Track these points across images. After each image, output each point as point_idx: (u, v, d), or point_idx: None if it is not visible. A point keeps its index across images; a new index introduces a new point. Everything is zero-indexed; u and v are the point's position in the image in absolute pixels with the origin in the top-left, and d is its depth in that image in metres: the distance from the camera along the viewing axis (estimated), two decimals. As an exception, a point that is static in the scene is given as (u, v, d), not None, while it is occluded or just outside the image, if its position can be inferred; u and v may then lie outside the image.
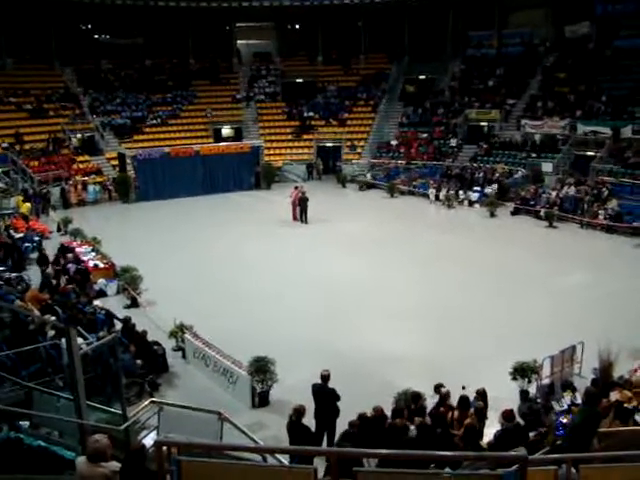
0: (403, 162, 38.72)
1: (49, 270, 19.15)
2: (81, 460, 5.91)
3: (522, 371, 12.17)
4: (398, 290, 18.86)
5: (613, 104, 32.99)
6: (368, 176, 37.88)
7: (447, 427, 9.55)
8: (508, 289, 18.69)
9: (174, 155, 35.40)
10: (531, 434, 8.87)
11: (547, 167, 32.79)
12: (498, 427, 9.35)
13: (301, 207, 28.47)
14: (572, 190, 28.95)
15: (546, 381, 12.19)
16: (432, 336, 15.32)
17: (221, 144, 39.19)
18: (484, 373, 12.64)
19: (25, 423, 8.47)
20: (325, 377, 10.64)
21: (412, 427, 9.42)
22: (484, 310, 16.94)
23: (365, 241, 24.61)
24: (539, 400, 11.28)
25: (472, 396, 10.22)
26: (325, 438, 10.56)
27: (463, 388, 10.37)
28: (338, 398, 10.56)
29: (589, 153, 32.28)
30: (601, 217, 26.36)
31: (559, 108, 35.37)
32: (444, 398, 10.29)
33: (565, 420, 9.52)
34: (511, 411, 9.35)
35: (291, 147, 42.79)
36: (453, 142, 39.10)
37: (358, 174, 38.89)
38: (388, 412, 9.84)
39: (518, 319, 16.14)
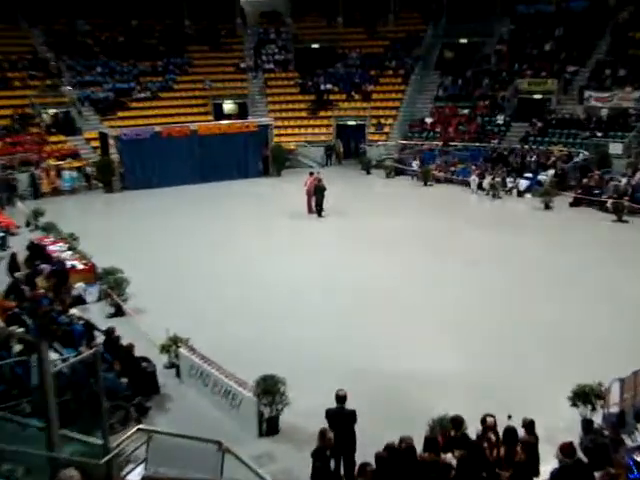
0: (439, 144, 38.55)
1: (19, 273, 19.22)
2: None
3: (584, 396, 11.99)
4: (431, 296, 18.76)
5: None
6: (414, 165, 37.28)
7: (490, 465, 9.46)
8: (567, 297, 18.49)
9: (166, 135, 35.54)
10: (597, 474, 8.75)
11: (616, 149, 32.50)
12: (555, 464, 9.25)
13: (317, 197, 28.44)
14: (646, 177, 28.73)
15: (615, 409, 12.01)
16: (473, 351, 15.20)
17: (223, 122, 39.32)
18: (537, 397, 12.57)
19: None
20: (342, 397, 10.60)
21: (452, 459, 9.33)
22: (538, 321, 16.77)
23: (392, 238, 24.51)
24: (606, 432, 11.13)
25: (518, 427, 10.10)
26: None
27: (509, 417, 10.22)
28: (355, 420, 10.55)
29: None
30: (683, 210, 26.10)
31: (632, 76, 34.97)
32: (488, 429, 10.18)
33: (640, 458, 9.40)
34: (571, 444, 9.23)
35: (306, 126, 42.73)
36: (500, 119, 38.89)
37: (385, 158, 38.75)
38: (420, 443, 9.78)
39: (580, 333, 15.95)
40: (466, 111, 40.52)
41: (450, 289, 19.40)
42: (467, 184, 33.43)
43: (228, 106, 44.77)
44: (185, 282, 20.21)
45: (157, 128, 35.97)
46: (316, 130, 42.47)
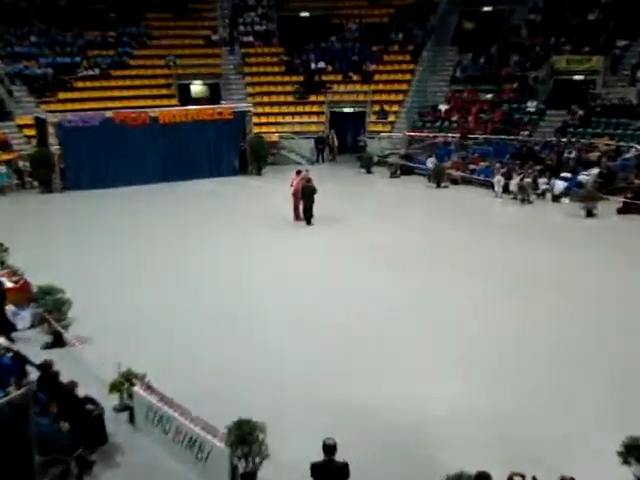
0: (456, 136, 38.66)
1: None
2: None
3: (638, 451, 11.97)
4: (446, 324, 18.72)
5: None
6: (429, 163, 37.22)
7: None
8: (616, 327, 18.45)
9: (120, 123, 35.58)
10: None
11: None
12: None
13: (305, 201, 28.43)
14: None
15: (676, 468, 12.01)
16: (498, 392, 15.14)
17: (190, 108, 39.29)
18: (577, 451, 12.52)
19: None
20: (331, 448, 10.54)
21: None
22: (579, 358, 16.75)
23: (397, 253, 24.55)
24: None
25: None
26: None
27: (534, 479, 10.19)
28: (348, 475, 10.51)
29: None
30: None
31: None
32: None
33: None
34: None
35: (292, 114, 42.90)
36: (531, 106, 39.05)
37: (390, 154, 38.84)
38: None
39: (631, 374, 15.94)
40: (489, 96, 40.66)
41: (465, 316, 19.37)
42: (490, 186, 33.53)
43: (197, 88, 44.84)
44: (141, 304, 20.08)
45: (108, 114, 35.97)
46: (305, 119, 42.63)
